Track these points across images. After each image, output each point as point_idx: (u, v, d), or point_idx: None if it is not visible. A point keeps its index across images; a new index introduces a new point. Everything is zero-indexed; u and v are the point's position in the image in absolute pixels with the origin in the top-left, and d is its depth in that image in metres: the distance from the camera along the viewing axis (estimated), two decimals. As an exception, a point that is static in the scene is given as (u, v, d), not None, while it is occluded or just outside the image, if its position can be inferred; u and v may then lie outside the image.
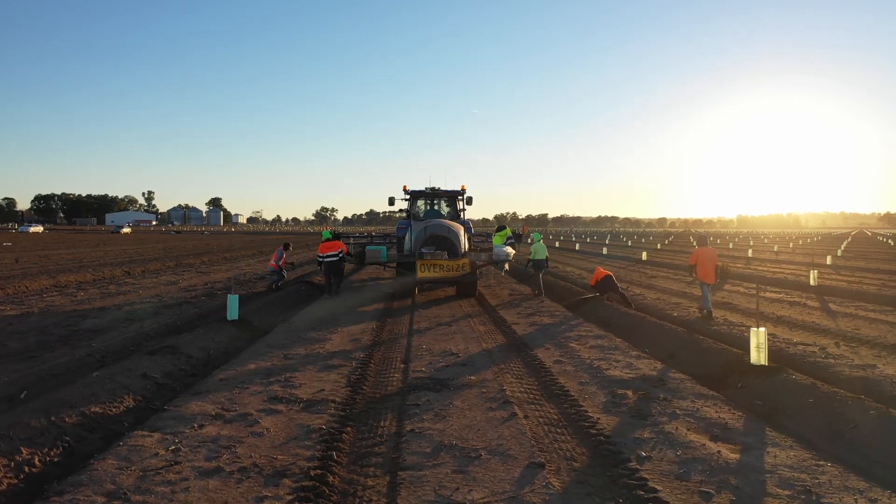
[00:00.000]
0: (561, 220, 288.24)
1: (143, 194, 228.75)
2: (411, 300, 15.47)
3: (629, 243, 60.48)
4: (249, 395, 6.40)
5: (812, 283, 18.08)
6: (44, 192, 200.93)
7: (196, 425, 5.38)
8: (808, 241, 69.16)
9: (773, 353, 8.05)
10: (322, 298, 15.15)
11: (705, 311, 12.19)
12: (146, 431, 5.21)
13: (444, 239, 14.82)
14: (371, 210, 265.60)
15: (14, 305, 13.12)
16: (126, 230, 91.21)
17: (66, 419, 5.36)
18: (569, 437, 5.25)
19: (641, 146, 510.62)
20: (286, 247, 17.72)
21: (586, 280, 19.41)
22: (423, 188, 18.31)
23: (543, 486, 4.25)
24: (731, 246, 52.10)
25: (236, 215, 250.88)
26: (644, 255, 32.46)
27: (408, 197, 18.25)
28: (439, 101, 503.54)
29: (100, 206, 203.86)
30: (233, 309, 10.61)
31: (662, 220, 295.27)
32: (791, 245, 54.17)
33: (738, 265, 27.35)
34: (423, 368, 7.71)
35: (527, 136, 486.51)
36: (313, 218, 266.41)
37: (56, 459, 4.76)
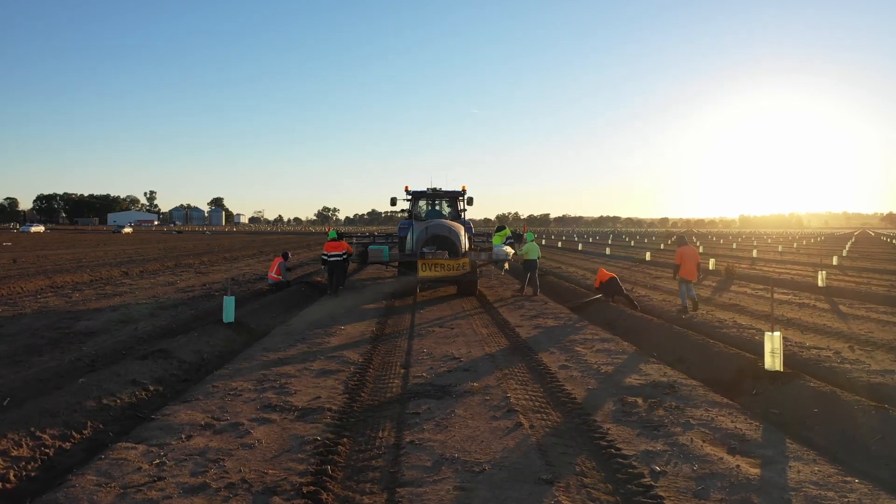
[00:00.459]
0: (563, 221, 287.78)
1: (145, 194, 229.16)
2: (413, 299, 15.32)
3: (632, 243, 60.16)
4: (242, 402, 6.12)
5: (820, 284, 17.76)
6: (46, 192, 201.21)
7: (184, 436, 5.10)
8: (812, 241, 68.75)
9: (786, 357, 7.73)
10: (323, 298, 15.07)
11: (691, 302, 12.86)
12: (131, 443, 4.93)
13: (444, 239, 15.04)
14: (373, 210, 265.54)
15: (7, 307, 12.86)
16: (127, 230, 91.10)
17: (48, 430, 5.09)
18: (578, 450, 4.96)
19: (643, 146, 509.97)
20: (285, 256, 17.53)
21: (590, 281, 19.13)
22: (424, 189, 18.53)
23: (552, 505, 3.96)
24: (734, 246, 51.76)
25: (238, 215, 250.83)
26: (647, 256, 32.15)
27: (409, 197, 18.53)
28: (440, 101, 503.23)
29: (102, 206, 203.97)
30: (228, 311, 10.34)
31: (664, 221, 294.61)
32: (795, 245, 53.81)
33: (742, 265, 27.03)
34: (424, 374, 7.43)
35: (528, 136, 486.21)
36: (315, 218, 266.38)
37: (33, 474, 4.48)
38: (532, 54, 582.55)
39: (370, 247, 16.20)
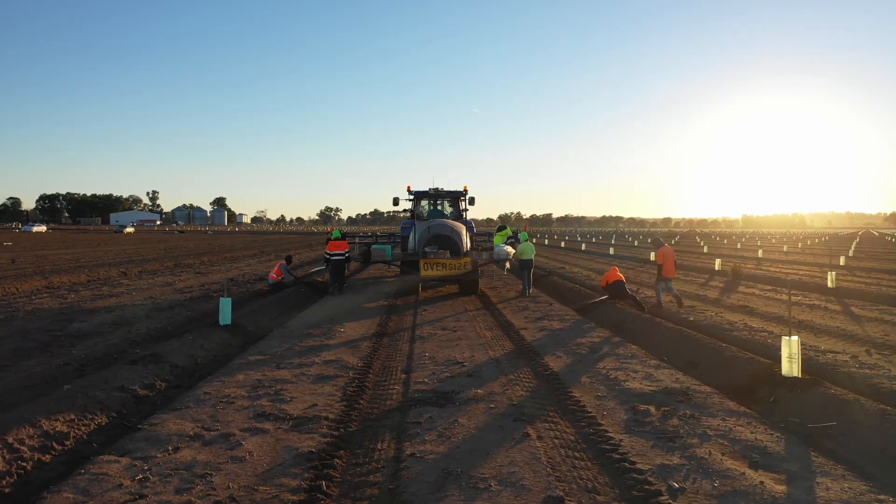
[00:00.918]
0: (565, 220, 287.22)
1: (148, 194, 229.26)
2: (415, 298, 15.15)
3: (635, 243, 59.74)
4: (234, 410, 5.82)
5: (830, 284, 17.42)
6: (49, 192, 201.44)
7: (170, 448, 4.80)
8: (816, 241, 68.26)
9: (802, 362, 7.42)
10: (324, 298, 14.94)
11: (675, 299, 13.35)
12: (114, 456, 4.63)
13: (446, 238, 15.18)
14: (375, 210, 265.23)
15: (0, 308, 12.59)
16: (129, 230, 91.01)
17: (27, 441, 4.80)
18: (589, 463, 4.66)
19: (645, 146, 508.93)
20: (288, 260, 17.30)
21: (594, 282, 18.83)
22: (426, 189, 18.64)
23: (564, 527, 3.66)
24: (738, 246, 51.34)
25: (240, 215, 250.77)
26: (652, 256, 31.76)
27: (412, 197, 18.63)
28: (442, 101, 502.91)
29: (104, 206, 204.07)
30: (225, 313, 10.05)
31: (667, 220, 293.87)
32: (800, 245, 53.37)
33: (748, 265, 26.66)
34: (426, 379, 7.13)
35: (530, 135, 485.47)
36: (317, 217, 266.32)
37: (7, 490, 4.19)
38: (533, 54, 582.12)
39: (373, 246, 16.36)
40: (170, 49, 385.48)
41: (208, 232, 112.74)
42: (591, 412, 5.89)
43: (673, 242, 60.77)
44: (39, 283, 17.02)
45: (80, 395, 5.85)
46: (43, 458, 4.70)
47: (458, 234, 15.36)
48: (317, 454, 4.75)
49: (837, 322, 11.56)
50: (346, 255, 15.71)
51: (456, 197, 18.87)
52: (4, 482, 4.25)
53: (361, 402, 6.26)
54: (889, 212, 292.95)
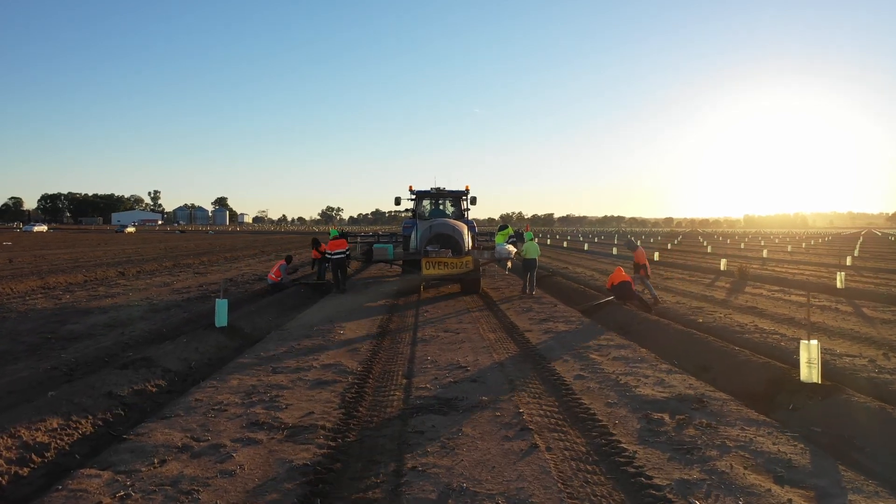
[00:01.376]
0: (567, 220, 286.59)
1: (149, 194, 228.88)
2: (416, 297, 14.98)
3: (638, 243, 59.24)
4: (226, 419, 5.53)
5: (839, 285, 17.09)
6: (50, 192, 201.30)
7: (156, 461, 4.51)
8: (819, 241, 67.85)
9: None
10: (323, 299, 14.79)
11: (652, 297, 13.57)
12: (95, 469, 4.34)
13: (448, 237, 15.22)
14: (377, 209, 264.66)
15: (-7, 309, 12.32)
16: (130, 229, 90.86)
17: (4, 453, 4.51)
18: (602, 478, 4.36)
19: (647, 146, 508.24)
20: (288, 260, 17.04)
21: (599, 282, 18.53)
22: (428, 188, 18.58)
23: (579, 552, 3.36)
24: (742, 246, 50.97)
25: (242, 215, 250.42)
26: (656, 256, 31.47)
27: (413, 197, 18.55)
28: (444, 101, 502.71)
29: (106, 206, 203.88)
30: (221, 315, 9.76)
31: (669, 220, 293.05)
32: (804, 245, 52.99)
33: (754, 265, 26.33)
34: (428, 385, 6.83)
35: (531, 135, 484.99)
36: (319, 217, 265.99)
37: (-21, 508, 3.91)
38: (534, 54, 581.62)
39: (375, 245, 16.41)
40: (171, 49, 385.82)
41: (209, 231, 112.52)
42: (602, 421, 5.59)
43: (676, 242, 60.42)
44: (35, 283, 16.75)
45: (64, 402, 5.56)
46: (21, 471, 4.41)
47: (460, 234, 15.44)
48: (312, 467, 4.46)
49: (850, 324, 11.25)
50: (347, 253, 15.86)
51: (458, 196, 18.83)
52: (-24, 499, 3.97)
53: (361, 409, 5.97)
54: (891, 211, 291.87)
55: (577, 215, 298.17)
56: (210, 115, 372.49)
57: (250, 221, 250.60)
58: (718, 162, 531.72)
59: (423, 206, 18.86)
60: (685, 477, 4.35)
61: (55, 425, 5.14)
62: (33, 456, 4.63)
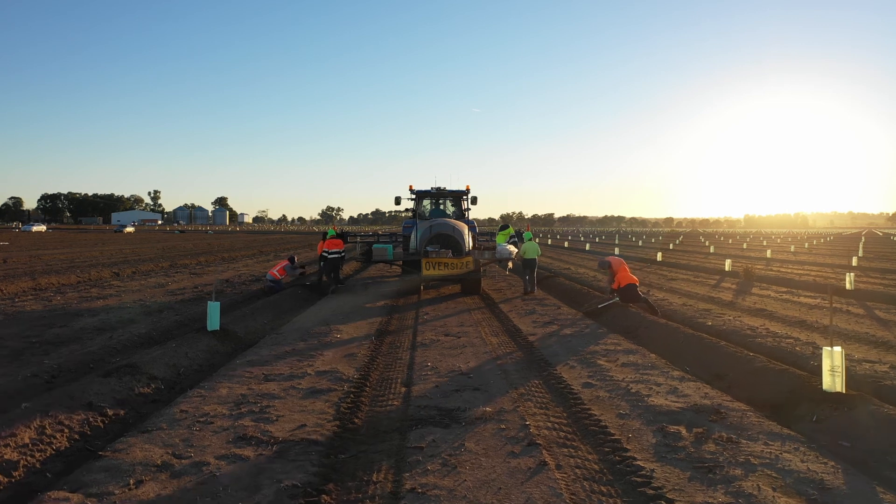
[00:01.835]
0: (567, 220, 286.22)
1: (150, 194, 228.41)
2: (416, 298, 14.67)
3: (639, 243, 59.06)
4: (212, 432, 5.16)
5: (848, 286, 16.72)
6: (50, 192, 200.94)
7: (132, 482, 4.14)
8: (821, 241, 67.45)
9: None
10: (322, 300, 14.50)
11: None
12: (65, 491, 3.98)
13: (448, 237, 14.98)
14: (377, 209, 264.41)
15: (-20, 311, 11.95)
16: (129, 229, 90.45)
17: (-33, 472, 4.15)
18: (619, 501, 3.99)
19: (647, 146, 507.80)
20: (291, 260, 16.72)
21: (602, 283, 18.14)
22: (428, 188, 18.29)
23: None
24: (745, 246, 50.59)
25: (242, 214, 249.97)
26: (659, 256, 31.12)
27: (413, 196, 18.24)
28: (444, 101, 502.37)
29: (106, 206, 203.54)
30: (213, 318, 9.39)
31: (669, 220, 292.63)
32: (806, 245, 52.59)
33: (758, 266, 25.95)
34: (428, 394, 6.46)
35: (532, 135, 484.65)
36: (319, 217, 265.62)
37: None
38: (534, 54, 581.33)
39: (374, 245, 16.13)
40: (171, 49, 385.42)
41: (209, 231, 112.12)
42: (614, 434, 5.22)
43: (678, 242, 60.06)
44: (26, 284, 16.38)
45: (39, 414, 5.20)
46: (-17, 493, 4.05)
47: (461, 234, 15.20)
48: (302, 489, 4.09)
49: (865, 327, 10.87)
50: (342, 253, 15.89)
51: (458, 196, 18.55)
52: (-71, 527, 3.61)
53: (356, 421, 5.60)
54: (891, 211, 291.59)
55: (577, 215, 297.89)
56: (210, 114, 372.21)
57: (250, 221, 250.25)
58: (718, 162, 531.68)
59: (424, 206, 18.58)
60: (709, 500, 3.98)
61: (27, 440, 4.77)
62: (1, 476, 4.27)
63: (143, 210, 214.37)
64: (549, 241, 61.74)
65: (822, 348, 8.70)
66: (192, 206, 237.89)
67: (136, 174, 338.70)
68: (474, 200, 18.37)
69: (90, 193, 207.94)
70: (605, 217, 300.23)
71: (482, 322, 11.38)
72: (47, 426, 5.08)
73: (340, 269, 16.75)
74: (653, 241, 68.58)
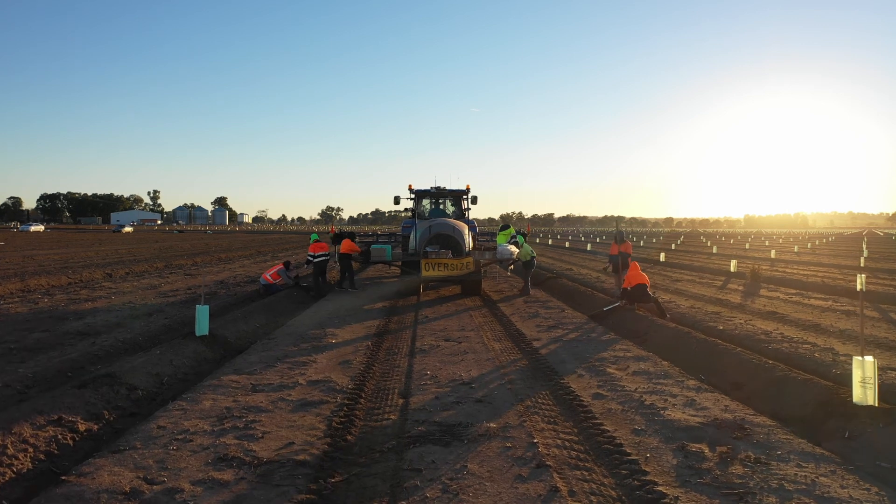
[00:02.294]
0: (567, 220, 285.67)
1: (149, 193, 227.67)
2: (416, 299, 14.24)
3: (641, 243, 58.60)
4: (190, 452, 4.71)
5: (859, 288, 16.27)
6: (50, 192, 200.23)
7: (94, 513, 3.70)
8: (824, 241, 66.99)
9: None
10: (318, 302, 14.09)
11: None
12: (17, 525, 3.53)
13: (448, 237, 14.66)
14: (377, 209, 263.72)
15: (-38, 315, 11.50)
16: (128, 229, 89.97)
17: None
18: (642, 536, 3.54)
19: (647, 146, 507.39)
20: (287, 265, 16.31)
21: (606, 285, 17.72)
22: (428, 187, 17.94)
23: None
24: (747, 246, 50.13)
25: (241, 214, 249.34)
26: (662, 257, 30.67)
27: (413, 196, 17.86)
28: (444, 101, 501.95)
29: (105, 206, 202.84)
30: (202, 322, 8.94)
31: (669, 220, 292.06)
32: (809, 246, 52.14)
33: (763, 267, 25.49)
34: (428, 406, 6.01)
35: (531, 135, 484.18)
36: (319, 217, 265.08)
37: None
38: (534, 54, 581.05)
39: (373, 246, 15.81)
40: (171, 49, 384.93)
41: (207, 231, 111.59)
42: (630, 454, 4.77)
43: (679, 242, 59.62)
44: (14, 286, 15.92)
45: (0, 431, 4.75)
46: (-74, 527, 3.60)
47: (461, 234, 14.85)
48: (285, 521, 3.64)
49: (883, 332, 10.42)
50: (327, 256, 16.17)
51: (458, 196, 18.17)
52: None
53: (349, 438, 5.14)
54: (891, 211, 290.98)
55: (577, 215, 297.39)
56: (210, 114, 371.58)
57: (250, 221, 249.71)
58: (718, 162, 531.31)
59: (423, 206, 18.18)
60: (744, 535, 3.53)
61: (-16, 462, 4.32)
62: (-53, 505, 3.82)
63: (143, 210, 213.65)
64: (550, 242, 61.30)
65: (842, 354, 8.35)
66: (192, 206, 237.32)
67: (136, 174, 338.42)
68: (474, 200, 18.05)
69: (89, 193, 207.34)
70: (605, 217, 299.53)
71: (484, 326, 10.93)
72: (10, 445, 4.63)
73: (326, 273, 16.66)
74: (654, 241, 68.12)
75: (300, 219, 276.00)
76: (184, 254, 33.54)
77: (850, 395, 5.77)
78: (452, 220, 15.78)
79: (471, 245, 15.29)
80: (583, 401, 6.21)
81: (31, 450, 4.69)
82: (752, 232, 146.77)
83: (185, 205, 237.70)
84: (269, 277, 15.57)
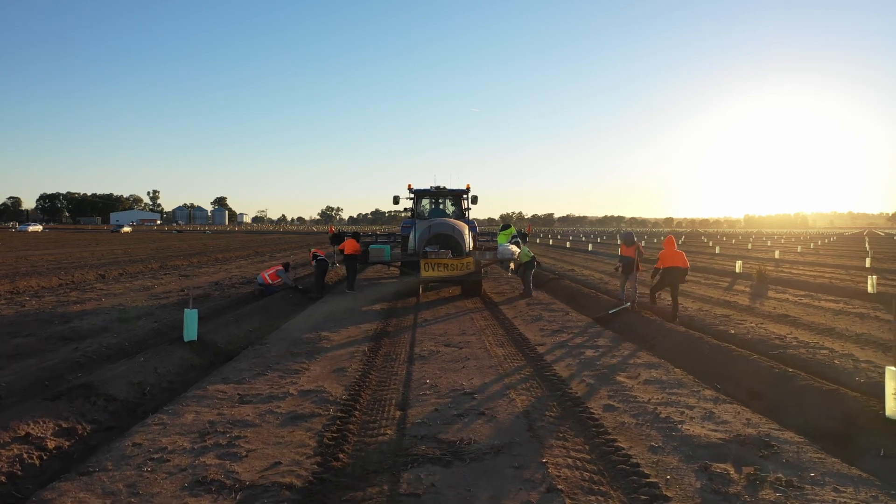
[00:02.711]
0: (567, 220, 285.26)
1: (149, 193, 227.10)
2: (415, 300, 13.81)
3: (642, 243, 58.06)
4: (165, 475, 4.29)
5: (870, 289, 15.85)
6: (49, 192, 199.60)
7: (50, 550, 3.28)
8: (825, 241, 66.58)
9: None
10: (315, 304, 13.72)
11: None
12: (-39, 565, 3.12)
13: (448, 237, 14.38)
14: (377, 209, 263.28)
15: (-56, 318, 11.06)
16: (126, 229, 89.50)
17: None
18: (669, 578, 3.12)
19: (647, 146, 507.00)
20: (286, 266, 15.90)
21: (609, 286, 17.31)
22: (427, 187, 17.65)
23: None
24: (749, 247, 49.71)
25: (241, 214, 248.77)
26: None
27: (412, 196, 17.55)
28: (444, 101, 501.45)
29: (105, 206, 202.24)
30: (190, 327, 8.53)
31: (669, 220, 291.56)
32: (812, 246, 51.71)
33: (768, 267, 25.07)
34: (427, 420, 5.59)
35: (531, 135, 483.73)
36: (318, 217, 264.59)
37: None
38: (534, 54, 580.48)
39: (371, 246, 15.42)
40: (171, 49, 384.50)
41: (206, 231, 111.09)
42: (649, 476, 4.35)
43: (680, 242, 59.18)
44: (3, 287, 15.48)
45: (-41, 451, 4.33)
46: None
47: (461, 234, 14.53)
48: (265, 559, 3.22)
49: (901, 336, 9.99)
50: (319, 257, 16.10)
51: (458, 195, 17.84)
52: None
53: (341, 457, 4.72)
54: (891, 211, 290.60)
55: (577, 215, 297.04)
56: (210, 114, 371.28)
57: (249, 221, 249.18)
58: (718, 162, 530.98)
59: (423, 206, 17.84)
60: (785, 576, 3.11)
61: (-65, 488, 3.90)
62: None
63: (142, 210, 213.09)
64: (550, 242, 60.83)
65: (862, 361, 7.92)
66: (192, 205, 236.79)
67: (136, 174, 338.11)
68: (475, 200, 17.72)
69: (89, 193, 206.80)
70: (605, 217, 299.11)
71: (485, 329, 10.51)
72: (-33, 467, 4.21)
73: (325, 275, 16.49)
74: (654, 241, 67.67)
75: (300, 219, 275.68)
76: (180, 254, 33.10)
77: (882, 408, 5.36)
78: (452, 220, 15.46)
79: (471, 245, 14.99)
80: (593, 413, 5.79)
81: (-9, 472, 4.27)
82: (753, 232, 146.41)
83: (185, 205, 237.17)
84: (266, 278, 15.16)
